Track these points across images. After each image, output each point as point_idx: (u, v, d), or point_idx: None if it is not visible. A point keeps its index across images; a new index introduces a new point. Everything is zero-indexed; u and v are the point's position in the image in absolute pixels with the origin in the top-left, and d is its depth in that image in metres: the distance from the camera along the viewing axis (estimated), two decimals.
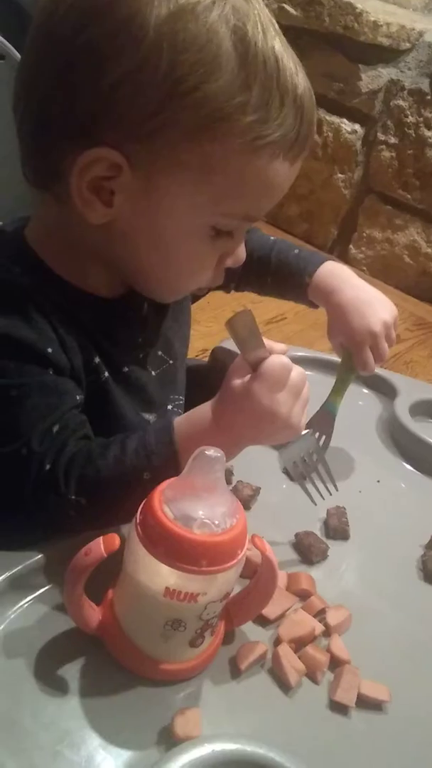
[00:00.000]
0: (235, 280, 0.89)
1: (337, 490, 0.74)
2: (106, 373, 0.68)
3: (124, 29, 0.53)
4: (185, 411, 0.80)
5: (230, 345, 0.99)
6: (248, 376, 0.60)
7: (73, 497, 0.59)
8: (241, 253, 0.68)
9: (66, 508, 0.60)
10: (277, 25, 0.58)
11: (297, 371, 0.61)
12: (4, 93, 0.60)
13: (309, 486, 0.73)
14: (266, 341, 0.60)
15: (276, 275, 0.89)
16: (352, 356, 0.81)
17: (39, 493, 0.60)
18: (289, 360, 0.60)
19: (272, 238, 0.91)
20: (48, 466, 0.59)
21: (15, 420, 0.60)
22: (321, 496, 0.73)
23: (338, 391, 0.82)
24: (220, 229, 0.62)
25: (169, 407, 0.79)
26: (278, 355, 0.60)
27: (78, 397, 0.64)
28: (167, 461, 0.59)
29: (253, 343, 0.59)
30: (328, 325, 0.84)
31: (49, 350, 0.62)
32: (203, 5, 0.54)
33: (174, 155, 0.57)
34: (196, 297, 0.87)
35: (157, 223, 0.61)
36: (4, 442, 0.60)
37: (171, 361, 0.78)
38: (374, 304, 0.81)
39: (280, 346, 0.62)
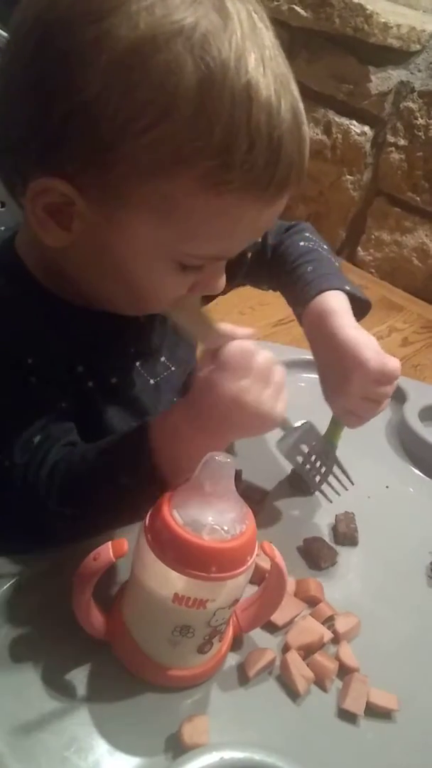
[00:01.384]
0: (266, 282, 0.86)
1: (353, 484, 0.72)
2: (90, 383, 0.66)
3: (82, 54, 0.49)
4: None
5: None
6: (210, 368, 0.57)
7: (57, 508, 0.58)
8: (218, 283, 0.63)
9: (52, 520, 0.59)
10: (268, 43, 0.52)
11: (263, 356, 0.57)
12: None
13: (320, 483, 0.71)
14: (229, 327, 0.57)
15: (284, 293, 0.83)
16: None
17: (25, 506, 0.59)
18: (252, 344, 0.57)
19: (302, 246, 0.83)
20: (31, 479, 0.58)
21: None
22: (336, 492, 0.71)
23: (334, 432, 0.77)
24: (187, 265, 0.58)
25: None
26: (238, 341, 0.57)
27: (63, 404, 0.63)
28: (143, 463, 0.57)
29: (203, 329, 0.56)
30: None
31: (30, 361, 0.60)
32: (167, 35, 0.48)
33: (130, 193, 0.53)
34: (206, 300, 0.86)
35: (119, 253, 0.58)
36: None
37: (173, 368, 0.76)
38: (348, 376, 0.69)
39: (243, 330, 0.58)
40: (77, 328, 0.65)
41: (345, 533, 0.73)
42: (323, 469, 0.72)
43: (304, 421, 0.68)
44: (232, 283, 0.76)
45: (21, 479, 0.58)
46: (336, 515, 0.74)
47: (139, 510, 0.51)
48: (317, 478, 0.72)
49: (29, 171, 0.54)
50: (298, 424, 0.68)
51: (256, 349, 0.57)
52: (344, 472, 0.72)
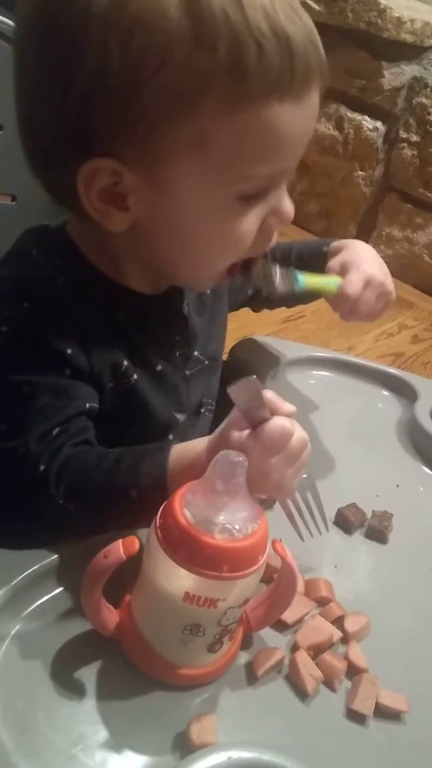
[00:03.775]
0: (269, 304, 0.92)
1: (327, 531, 0.69)
2: (135, 376, 0.67)
3: (75, 28, 0.51)
4: (215, 416, 0.79)
5: (249, 343, 0.99)
6: (245, 432, 0.55)
7: (61, 501, 0.59)
8: (287, 208, 0.61)
9: (55, 512, 0.60)
10: None
11: (297, 436, 0.55)
12: None
13: (299, 521, 0.67)
14: (275, 399, 0.55)
15: (299, 256, 0.88)
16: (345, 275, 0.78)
17: (33, 492, 0.60)
18: (292, 423, 0.55)
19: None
20: (42, 467, 0.59)
21: (21, 418, 0.60)
22: (310, 533, 0.67)
23: (312, 276, 0.78)
24: (248, 195, 0.58)
25: (202, 411, 0.79)
26: (281, 419, 0.54)
27: (88, 405, 0.63)
28: (156, 485, 0.58)
29: (256, 406, 0.54)
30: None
31: (69, 351, 0.61)
32: None
33: (162, 143, 0.54)
34: (233, 306, 0.88)
35: (178, 211, 0.59)
36: (8, 437, 0.60)
37: (206, 362, 0.78)
38: (383, 268, 0.81)
39: (287, 407, 0.56)
40: (129, 313, 0.66)
41: (376, 528, 0.73)
42: (307, 515, 0.68)
43: (304, 475, 0.64)
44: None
45: (32, 467, 0.59)
46: (373, 510, 0.75)
47: (137, 518, 0.53)
48: (301, 523, 0.67)
49: (71, 164, 0.56)
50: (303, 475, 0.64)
51: (294, 430, 0.55)
52: (324, 517, 0.68)
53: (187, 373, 0.75)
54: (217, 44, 0.50)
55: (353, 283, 0.76)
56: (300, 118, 0.57)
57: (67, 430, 0.61)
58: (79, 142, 0.55)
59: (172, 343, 0.72)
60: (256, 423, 0.54)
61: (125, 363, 0.66)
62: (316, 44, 0.55)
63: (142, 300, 0.68)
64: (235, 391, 0.52)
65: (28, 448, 0.59)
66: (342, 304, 0.77)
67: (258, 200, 0.59)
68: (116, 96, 0.52)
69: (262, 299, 0.91)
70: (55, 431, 0.60)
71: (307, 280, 0.77)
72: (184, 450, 0.60)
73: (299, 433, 0.56)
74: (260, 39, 0.51)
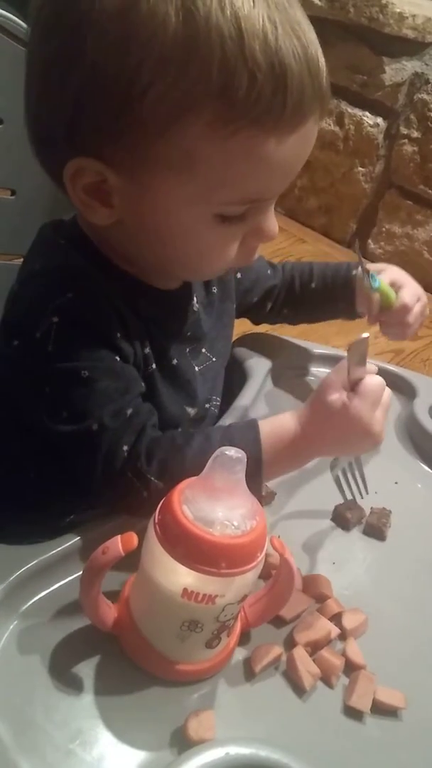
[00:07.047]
0: (271, 318, 0.94)
1: (367, 493, 0.73)
2: (153, 365, 0.68)
3: (73, 35, 0.52)
4: (219, 412, 0.80)
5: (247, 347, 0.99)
6: (345, 393, 0.62)
7: (152, 477, 0.58)
8: (269, 229, 0.62)
9: (140, 488, 0.59)
10: None
11: (388, 391, 0.64)
12: None
13: (344, 483, 0.72)
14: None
15: (323, 279, 0.90)
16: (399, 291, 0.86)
17: (110, 471, 0.59)
18: (382, 380, 0.64)
19: (280, 265, 0.92)
20: (125, 447, 0.59)
21: (85, 400, 0.59)
22: (352, 494, 0.73)
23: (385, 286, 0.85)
24: (227, 215, 0.58)
25: (208, 407, 0.79)
26: (374, 375, 0.63)
27: (142, 385, 0.64)
28: (250, 456, 0.58)
29: (360, 365, 0.63)
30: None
31: (118, 335, 0.62)
32: None
33: (149, 154, 0.54)
34: (242, 312, 0.89)
35: (159, 219, 0.59)
36: (71, 422, 0.59)
37: (214, 359, 0.78)
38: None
39: (372, 366, 0.64)
40: (146, 305, 0.67)
41: (374, 525, 0.73)
42: (351, 479, 0.73)
43: None
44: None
45: (110, 443, 0.59)
46: (371, 507, 0.75)
47: None
48: (347, 488, 0.73)
49: (62, 156, 0.57)
50: None
51: (384, 384, 0.64)
52: (365, 483, 0.74)
53: (197, 369, 0.75)
54: (210, 68, 0.50)
55: (411, 296, 0.85)
56: (290, 149, 0.56)
57: (140, 411, 0.61)
58: (71, 138, 0.56)
59: (183, 338, 0.73)
60: (355, 382, 0.62)
61: (147, 350, 0.67)
62: (317, 73, 0.54)
63: (157, 294, 0.68)
64: (354, 346, 0.60)
65: (102, 424, 0.58)
66: (400, 315, 0.84)
67: (238, 221, 0.60)
68: (108, 102, 0.53)
69: (265, 310, 0.92)
70: (129, 411, 0.60)
71: (381, 282, 0.84)
72: (273, 423, 0.63)
73: (387, 388, 0.65)
74: (254, 69, 0.50)
